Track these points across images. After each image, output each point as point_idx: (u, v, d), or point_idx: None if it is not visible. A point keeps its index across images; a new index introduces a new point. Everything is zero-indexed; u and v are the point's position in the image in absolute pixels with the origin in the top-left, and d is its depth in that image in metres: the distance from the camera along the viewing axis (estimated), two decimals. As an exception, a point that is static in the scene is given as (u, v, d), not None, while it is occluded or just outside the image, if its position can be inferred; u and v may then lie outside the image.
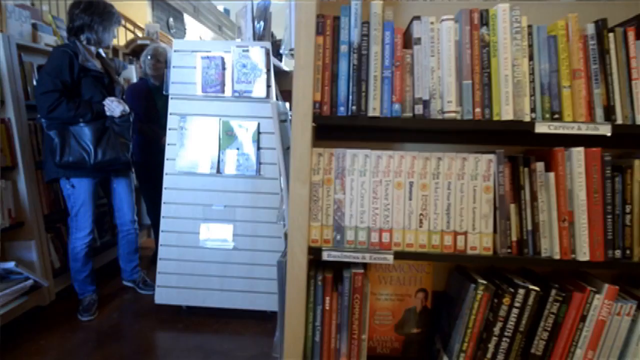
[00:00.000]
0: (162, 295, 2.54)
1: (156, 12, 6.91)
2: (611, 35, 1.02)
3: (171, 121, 2.43)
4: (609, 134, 1.01)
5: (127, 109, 2.27)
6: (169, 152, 2.45)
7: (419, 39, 1.03)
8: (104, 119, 2.21)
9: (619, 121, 1.02)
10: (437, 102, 1.04)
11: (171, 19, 7.25)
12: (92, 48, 2.25)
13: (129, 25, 5.34)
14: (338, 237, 1.07)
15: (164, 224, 2.50)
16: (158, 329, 2.44)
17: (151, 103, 2.98)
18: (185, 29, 7.68)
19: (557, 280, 1.14)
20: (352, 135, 1.23)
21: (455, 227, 1.06)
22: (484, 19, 1.01)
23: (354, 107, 1.03)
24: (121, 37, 5.07)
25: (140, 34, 5.21)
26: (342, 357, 1.07)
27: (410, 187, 1.06)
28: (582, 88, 1.02)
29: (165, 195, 2.48)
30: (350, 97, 1.03)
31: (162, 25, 6.99)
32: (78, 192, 2.25)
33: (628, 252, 1.04)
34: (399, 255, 1.05)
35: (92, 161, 2.14)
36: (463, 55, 1.02)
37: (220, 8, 8.54)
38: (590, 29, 1.02)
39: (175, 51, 2.40)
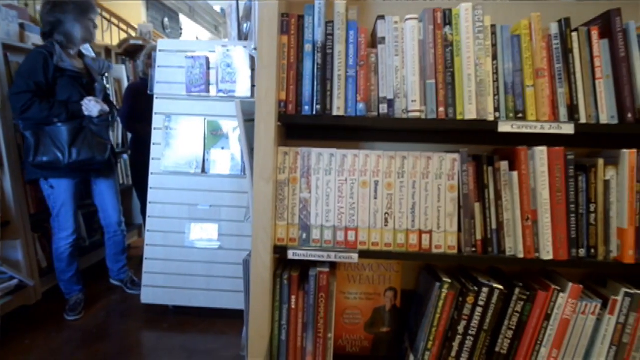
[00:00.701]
0: (149, 295, 2.54)
1: (151, 12, 6.91)
2: (575, 34, 1.02)
3: (156, 121, 2.43)
4: (572, 133, 1.01)
5: (106, 108, 2.23)
6: (154, 151, 2.45)
7: (383, 38, 1.03)
8: (82, 118, 2.17)
9: (583, 120, 1.02)
10: (401, 102, 1.04)
11: (166, 19, 7.25)
12: (71, 50, 2.21)
13: (122, 25, 5.34)
14: (304, 236, 1.07)
15: (149, 224, 2.50)
16: (143, 329, 2.44)
17: (149, 102, 2.97)
18: (181, 29, 7.69)
19: (525, 280, 1.15)
20: (323, 135, 1.24)
21: (421, 225, 1.06)
22: (447, 18, 1.02)
23: (318, 106, 1.03)
24: (114, 37, 5.08)
25: (134, 34, 5.22)
26: (308, 355, 1.07)
27: (376, 186, 1.06)
28: (546, 87, 1.03)
29: (151, 195, 2.48)
30: (315, 96, 1.03)
31: (157, 25, 6.99)
32: (57, 192, 2.24)
33: (593, 251, 1.04)
34: (364, 254, 1.06)
35: (66, 161, 2.11)
36: (427, 55, 1.02)
37: (217, 8, 8.54)
38: (554, 28, 1.02)
39: (159, 51, 2.41)
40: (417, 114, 1.03)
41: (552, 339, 1.04)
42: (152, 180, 2.46)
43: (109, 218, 2.57)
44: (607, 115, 1.02)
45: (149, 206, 2.49)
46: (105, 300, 2.77)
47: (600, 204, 1.03)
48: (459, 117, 1.02)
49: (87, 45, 3.76)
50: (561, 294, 1.04)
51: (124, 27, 5.38)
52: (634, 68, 1.01)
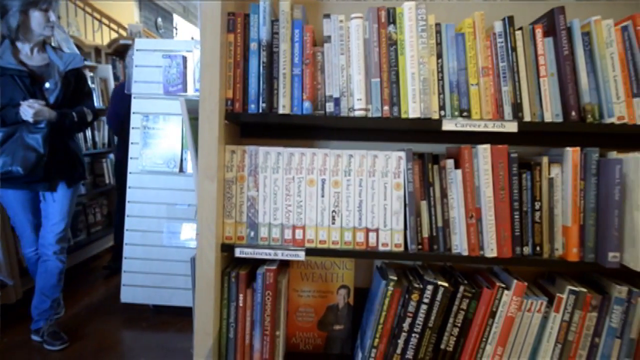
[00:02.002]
0: (128, 294, 2.55)
1: (144, 12, 6.92)
2: (519, 32, 1.02)
3: (134, 120, 2.44)
4: (515, 131, 1.01)
5: (47, 114, 1.86)
6: (132, 151, 2.46)
7: (329, 37, 1.04)
8: (20, 123, 1.85)
9: (528, 118, 1.03)
10: (347, 100, 1.04)
11: (160, 19, 7.26)
12: (26, 45, 1.93)
13: (112, 25, 5.36)
14: (252, 234, 1.08)
15: (128, 223, 2.51)
16: (122, 328, 2.45)
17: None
18: (175, 29, 7.70)
19: (474, 277, 1.16)
20: (278, 133, 1.24)
21: (367, 223, 1.06)
22: (391, 17, 1.02)
23: (264, 105, 1.04)
24: (105, 37, 5.09)
25: (124, 34, 5.22)
26: (256, 353, 1.08)
27: (323, 184, 1.06)
28: (490, 86, 1.03)
29: (129, 194, 2.49)
30: (261, 94, 1.04)
31: (151, 25, 7.00)
32: (6, 202, 2.06)
33: (538, 248, 1.04)
34: (311, 252, 1.06)
35: None
36: (372, 53, 1.03)
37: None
38: (498, 26, 1.03)
39: (137, 50, 2.41)
40: (362, 113, 1.03)
41: (497, 336, 1.04)
42: (131, 180, 2.47)
43: (44, 238, 2.09)
44: (551, 113, 1.03)
45: (127, 205, 2.50)
46: (87, 298, 2.78)
47: (545, 202, 1.04)
48: (403, 116, 1.03)
49: (68, 40, 3.77)
50: (506, 292, 1.04)
51: (115, 27, 5.39)
52: (578, 66, 1.02)
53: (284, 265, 1.20)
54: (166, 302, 2.53)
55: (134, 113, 2.44)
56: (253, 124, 1.21)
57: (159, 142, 2.43)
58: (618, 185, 0.97)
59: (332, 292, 1.21)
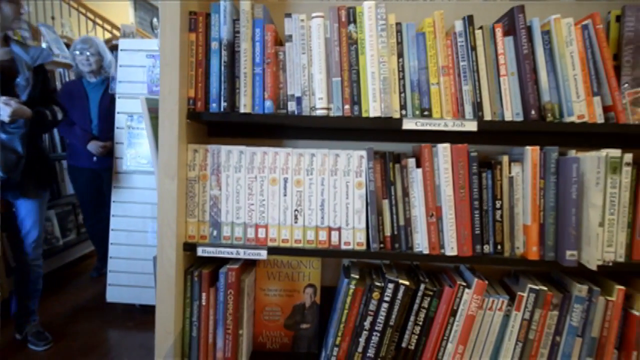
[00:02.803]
0: (113, 294, 2.56)
1: (139, 12, 6.94)
2: (479, 32, 1.02)
3: (119, 120, 2.45)
4: (475, 130, 1.01)
5: (25, 113, 1.75)
6: (117, 150, 2.47)
7: (290, 36, 1.04)
8: None
9: (488, 117, 1.03)
10: (309, 99, 1.05)
11: (155, 20, 7.27)
12: None
13: (106, 26, 5.37)
14: (215, 232, 1.08)
15: (113, 223, 2.51)
16: (107, 327, 2.45)
17: (82, 102, 2.60)
18: (171, 29, 7.67)
19: (439, 276, 1.16)
20: (246, 133, 1.24)
21: (330, 222, 1.07)
22: (352, 16, 1.02)
23: (225, 104, 1.04)
24: (99, 37, 5.10)
25: (118, 35, 5.23)
26: (219, 352, 1.08)
27: (285, 183, 1.07)
28: (451, 85, 1.03)
29: (115, 194, 2.50)
30: (222, 93, 1.04)
31: (146, 25, 7.02)
32: None
33: (499, 247, 1.05)
34: (273, 251, 1.06)
35: None
36: (332, 53, 1.03)
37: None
38: (459, 25, 1.03)
39: (121, 50, 2.42)
40: (324, 112, 1.04)
41: (458, 335, 1.04)
42: (116, 180, 2.48)
43: (24, 246, 2.07)
44: (512, 112, 1.03)
45: (112, 205, 2.51)
46: (73, 298, 2.79)
47: (505, 201, 1.04)
48: (364, 115, 1.03)
49: (59, 41, 3.75)
50: (467, 290, 1.04)
51: (109, 28, 5.40)
52: (538, 65, 1.02)
53: (251, 264, 1.20)
54: (152, 301, 2.51)
55: (118, 113, 2.45)
56: (221, 124, 1.21)
57: (143, 141, 2.44)
58: (575, 184, 0.97)
59: (299, 291, 1.21)
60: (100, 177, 2.70)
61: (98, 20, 5.16)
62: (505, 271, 1.25)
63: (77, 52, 2.53)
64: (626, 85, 1.10)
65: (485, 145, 1.21)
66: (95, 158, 2.60)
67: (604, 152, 0.96)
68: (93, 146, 2.54)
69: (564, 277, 1.11)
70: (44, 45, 3.89)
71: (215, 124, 1.22)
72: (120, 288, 2.55)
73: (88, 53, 2.52)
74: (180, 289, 1.07)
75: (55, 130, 3.13)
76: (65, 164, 2.97)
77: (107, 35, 5.23)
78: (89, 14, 5.08)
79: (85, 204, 2.86)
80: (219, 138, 1.25)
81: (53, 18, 4.55)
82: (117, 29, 5.53)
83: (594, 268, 0.95)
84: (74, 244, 3.37)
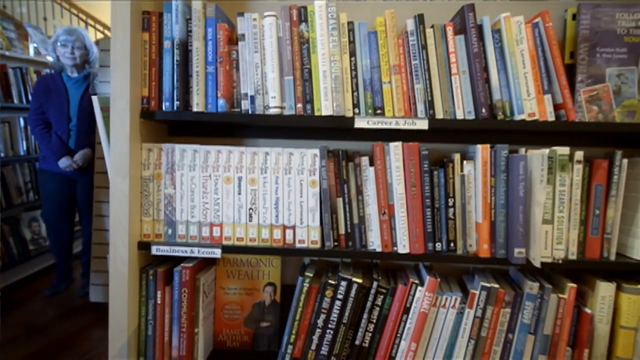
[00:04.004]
0: (97, 293, 2.57)
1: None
2: (430, 30, 1.03)
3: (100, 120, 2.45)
4: (425, 128, 1.02)
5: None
6: (99, 150, 2.47)
7: (243, 35, 1.05)
8: None
9: (440, 116, 1.03)
10: (262, 98, 1.05)
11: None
12: None
13: (98, 26, 5.38)
14: (169, 231, 1.08)
15: (95, 222, 2.52)
16: (89, 326, 2.45)
17: (61, 98, 2.41)
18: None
19: (397, 275, 1.16)
20: (207, 132, 1.25)
21: (284, 221, 1.07)
22: (303, 15, 1.03)
23: (178, 103, 1.04)
24: (91, 37, 5.10)
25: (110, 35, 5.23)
26: (174, 350, 1.08)
27: (239, 182, 1.07)
28: (402, 83, 1.03)
29: (97, 194, 2.51)
30: (175, 92, 1.04)
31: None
32: None
33: (452, 244, 1.05)
34: (228, 249, 1.07)
35: None
36: (285, 52, 1.03)
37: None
38: (410, 24, 1.03)
39: (102, 50, 2.42)
40: (277, 110, 1.04)
41: (411, 332, 1.05)
42: (98, 180, 2.48)
43: None
44: (463, 110, 1.03)
45: (94, 205, 2.51)
46: (55, 298, 2.79)
47: (458, 199, 1.04)
48: (316, 113, 1.03)
49: (46, 42, 3.73)
50: (419, 288, 1.04)
51: (100, 28, 5.41)
52: (488, 63, 1.02)
53: (210, 263, 1.21)
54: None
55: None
56: (181, 123, 1.22)
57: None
58: (522, 182, 0.97)
59: (259, 289, 1.22)
60: (73, 185, 2.53)
61: (90, 21, 5.17)
62: (465, 269, 1.25)
63: (60, 44, 2.35)
64: (581, 83, 1.11)
65: (441, 144, 1.22)
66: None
67: (546, 150, 0.96)
68: (65, 162, 2.36)
69: (520, 275, 1.11)
70: (31, 46, 3.90)
71: (175, 123, 1.22)
72: (105, 287, 2.55)
73: (74, 45, 2.35)
74: (135, 287, 1.07)
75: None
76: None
77: (100, 36, 5.24)
78: (81, 15, 5.09)
79: (52, 214, 2.57)
80: (180, 137, 1.25)
81: (45, 19, 4.56)
82: (109, 29, 5.53)
83: (538, 265, 0.96)
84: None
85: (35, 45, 3.89)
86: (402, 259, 1.04)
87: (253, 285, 1.22)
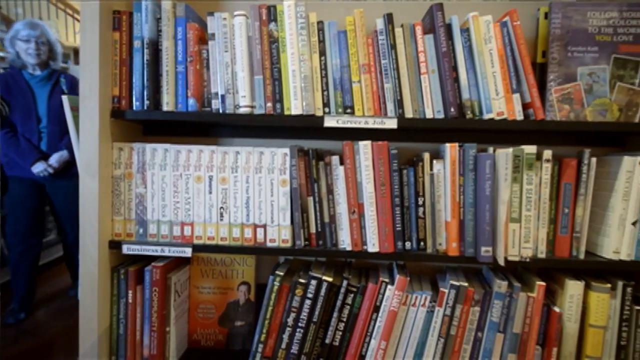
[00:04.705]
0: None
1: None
2: (399, 30, 1.03)
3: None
4: (395, 127, 1.02)
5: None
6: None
7: (213, 34, 1.05)
8: None
9: (409, 115, 1.03)
10: (233, 97, 1.05)
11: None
12: None
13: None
14: (141, 230, 1.09)
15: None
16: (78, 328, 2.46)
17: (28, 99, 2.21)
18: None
19: (370, 274, 1.16)
20: (182, 131, 1.25)
21: (255, 220, 1.07)
22: (272, 15, 1.03)
23: (148, 102, 1.05)
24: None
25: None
26: (145, 349, 1.08)
27: (210, 181, 1.07)
28: (372, 82, 1.04)
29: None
30: (145, 91, 1.05)
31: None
32: None
33: (422, 243, 1.05)
34: (198, 248, 1.07)
35: None
36: (254, 51, 1.04)
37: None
38: (380, 24, 1.03)
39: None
40: (247, 110, 1.04)
41: (381, 331, 1.05)
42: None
43: None
44: (432, 109, 1.03)
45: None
46: (47, 300, 2.79)
47: (427, 198, 1.04)
48: (286, 113, 1.04)
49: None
50: (389, 286, 1.05)
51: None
52: (457, 62, 1.03)
53: (184, 262, 1.21)
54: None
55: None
56: (155, 123, 1.22)
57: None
58: (489, 180, 0.97)
59: (233, 288, 1.22)
60: (43, 192, 2.32)
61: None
62: (440, 269, 1.25)
63: (21, 40, 2.12)
64: (553, 82, 1.11)
65: (413, 143, 1.22)
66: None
67: (510, 149, 0.96)
68: (40, 166, 2.16)
69: (491, 274, 1.11)
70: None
71: (150, 122, 1.23)
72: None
73: (38, 41, 2.13)
74: (106, 286, 1.07)
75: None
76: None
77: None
78: (76, 15, 5.09)
79: (21, 223, 2.29)
80: (155, 137, 1.25)
81: (40, 19, 4.57)
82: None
83: (502, 264, 0.96)
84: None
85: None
86: (372, 258, 1.05)
87: (227, 284, 1.22)
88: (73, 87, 2.25)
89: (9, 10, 4.23)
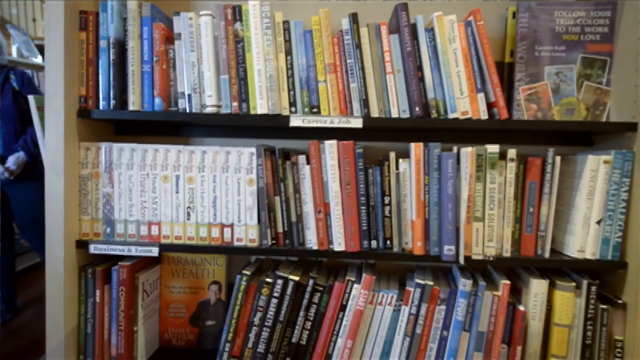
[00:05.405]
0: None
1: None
2: (364, 29, 1.03)
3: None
4: (360, 127, 1.02)
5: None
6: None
7: (179, 34, 1.05)
8: None
9: (375, 114, 1.04)
10: (199, 97, 1.05)
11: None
12: None
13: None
14: (108, 230, 1.09)
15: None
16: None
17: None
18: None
19: (341, 273, 1.16)
20: (155, 131, 1.25)
21: (222, 219, 1.07)
22: (238, 14, 1.03)
23: (114, 102, 1.05)
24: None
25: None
26: (113, 348, 1.08)
27: (177, 180, 1.07)
28: (337, 82, 1.04)
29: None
30: (112, 91, 1.05)
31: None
32: None
33: (389, 242, 1.05)
34: (166, 248, 1.07)
35: None
36: (220, 51, 1.04)
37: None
38: (345, 24, 1.04)
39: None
40: (214, 109, 1.04)
41: (347, 329, 1.05)
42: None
43: None
44: (398, 109, 1.04)
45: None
46: (33, 302, 2.79)
47: (394, 197, 1.05)
48: (252, 112, 1.04)
49: (29, 42, 3.72)
50: (355, 285, 1.05)
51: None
52: (422, 62, 1.03)
53: (155, 261, 1.21)
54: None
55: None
56: (126, 122, 1.22)
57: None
58: (451, 179, 0.98)
59: (204, 288, 1.22)
60: (5, 197, 2.21)
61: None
62: (411, 268, 1.26)
63: None
64: (520, 81, 1.12)
65: (382, 142, 1.23)
66: None
67: (469, 148, 0.97)
68: None
69: (459, 273, 1.12)
70: (13, 47, 3.89)
71: (121, 122, 1.23)
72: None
73: None
74: (73, 286, 1.07)
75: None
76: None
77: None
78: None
79: None
80: (126, 136, 1.25)
81: (34, 20, 4.56)
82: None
83: (462, 262, 0.96)
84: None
85: (17, 45, 3.88)
86: (338, 257, 1.05)
87: (198, 284, 1.22)
88: (24, 84, 2.13)
89: (3, 10, 4.23)
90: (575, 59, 1.11)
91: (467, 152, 0.95)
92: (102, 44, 1.05)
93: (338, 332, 1.06)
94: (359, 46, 1.03)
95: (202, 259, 1.21)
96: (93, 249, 1.06)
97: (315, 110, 1.05)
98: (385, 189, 1.05)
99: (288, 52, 1.05)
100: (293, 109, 1.05)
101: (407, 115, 1.03)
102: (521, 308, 1.03)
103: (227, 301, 1.22)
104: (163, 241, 1.08)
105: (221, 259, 1.22)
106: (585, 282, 1.04)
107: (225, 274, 1.23)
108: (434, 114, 1.03)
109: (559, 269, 1.14)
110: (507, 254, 1.04)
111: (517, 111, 1.11)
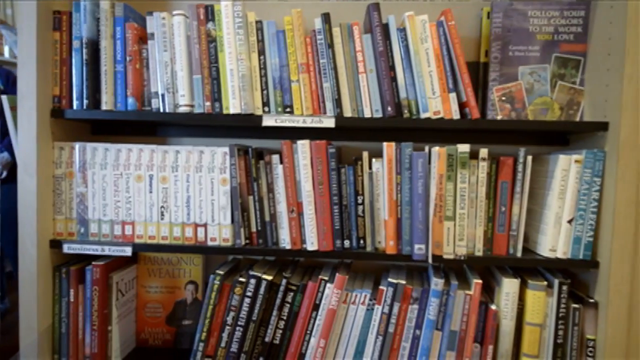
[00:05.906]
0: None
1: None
2: (337, 29, 1.04)
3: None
4: (332, 126, 1.02)
5: None
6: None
7: (152, 34, 1.05)
8: None
9: (348, 114, 1.04)
10: (173, 96, 1.05)
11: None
12: None
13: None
14: (82, 230, 1.09)
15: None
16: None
17: None
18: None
19: (316, 272, 1.17)
20: (132, 131, 1.25)
21: (196, 219, 1.08)
22: (210, 14, 1.03)
23: (87, 101, 1.05)
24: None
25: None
26: (87, 347, 1.08)
27: (150, 180, 1.07)
28: (310, 82, 1.04)
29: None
30: (85, 91, 1.05)
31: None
32: None
33: (362, 241, 1.06)
34: (139, 247, 1.07)
35: None
36: (193, 50, 1.04)
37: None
38: (318, 23, 1.04)
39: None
40: (187, 109, 1.05)
41: (321, 329, 1.05)
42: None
43: None
44: (371, 109, 1.04)
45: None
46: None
47: (367, 196, 1.05)
48: (225, 112, 1.04)
49: (13, 37, 3.71)
50: (328, 285, 1.05)
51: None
52: (394, 62, 1.03)
53: (131, 261, 1.21)
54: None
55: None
56: (103, 122, 1.22)
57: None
58: (421, 179, 0.98)
59: (180, 287, 1.22)
60: None
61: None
62: (386, 267, 1.26)
63: None
64: (494, 81, 1.12)
65: (355, 142, 1.23)
66: None
67: (437, 147, 0.97)
68: None
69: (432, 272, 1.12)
70: (5, 47, 3.89)
71: (97, 122, 1.23)
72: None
73: None
74: (47, 285, 1.07)
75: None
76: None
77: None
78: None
79: None
80: (103, 136, 1.25)
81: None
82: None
83: (430, 261, 0.97)
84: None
85: (9, 46, 3.87)
86: (311, 256, 1.05)
87: (174, 283, 1.22)
88: (10, 83, 2.11)
89: (5, 11, 4.22)
90: (549, 59, 1.12)
91: (436, 152, 0.95)
92: (75, 44, 1.05)
93: (311, 331, 1.06)
94: (331, 46, 1.03)
95: (179, 258, 1.22)
96: (67, 248, 1.06)
97: (288, 109, 1.05)
98: (359, 189, 1.05)
99: (261, 52, 1.05)
100: (266, 109, 1.06)
101: (379, 115, 1.04)
102: (493, 307, 1.04)
103: (203, 301, 1.22)
104: (137, 241, 1.08)
105: (197, 258, 1.22)
106: (556, 281, 1.04)
107: (201, 273, 1.23)
108: (406, 114, 1.03)
109: (533, 268, 1.14)
110: (479, 253, 1.05)
111: (491, 111, 1.11)
